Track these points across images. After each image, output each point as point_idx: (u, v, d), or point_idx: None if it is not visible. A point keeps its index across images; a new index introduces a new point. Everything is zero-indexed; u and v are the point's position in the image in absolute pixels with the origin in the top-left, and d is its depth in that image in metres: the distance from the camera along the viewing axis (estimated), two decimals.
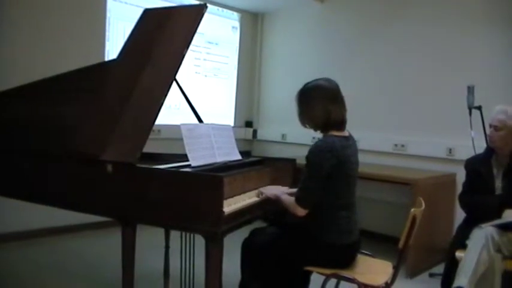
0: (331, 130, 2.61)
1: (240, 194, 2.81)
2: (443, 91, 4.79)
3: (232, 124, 6.51)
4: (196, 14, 2.81)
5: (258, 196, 2.82)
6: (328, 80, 2.69)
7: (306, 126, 2.72)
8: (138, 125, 2.58)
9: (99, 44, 5.12)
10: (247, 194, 2.85)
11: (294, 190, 2.93)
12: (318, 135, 2.66)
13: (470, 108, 4.04)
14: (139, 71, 2.76)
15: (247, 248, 2.79)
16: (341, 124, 2.64)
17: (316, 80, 2.70)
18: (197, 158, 2.75)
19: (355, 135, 2.75)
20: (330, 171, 2.49)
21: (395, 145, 5.17)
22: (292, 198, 2.62)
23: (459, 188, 3.66)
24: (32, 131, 2.94)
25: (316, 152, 2.51)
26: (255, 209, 2.71)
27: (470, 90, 4.05)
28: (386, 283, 2.56)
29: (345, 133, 2.66)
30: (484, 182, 3.32)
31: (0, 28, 4.30)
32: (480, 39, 4.56)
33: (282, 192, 2.82)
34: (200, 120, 3.36)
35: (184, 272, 3.14)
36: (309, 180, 2.53)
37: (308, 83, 2.71)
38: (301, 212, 2.56)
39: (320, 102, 2.60)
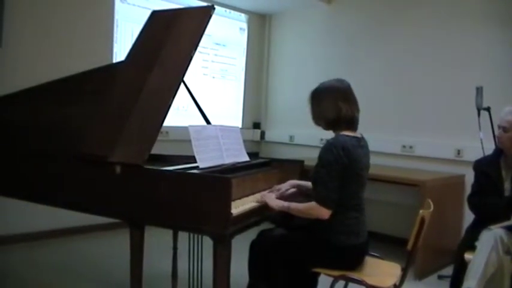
0: (343, 129, 2.62)
1: (248, 196, 2.81)
2: (451, 92, 4.78)
3: (240, 126, 6.53)
4: (203, 15, 2.82)
5: (258, 202, 2.74)
6: (340, 80, 2.72)
7: (318, 124, 2.74)
8: (146, 127, 2.58)
9: (107, 46, 5.14)
10: (255, 195, 2.85)
11: (299, 182, 2.98)
12: (327, 136, 2.66)
13: (478, 109, 4.03)
14: (147, 73, 2.77)
15: (255, 249, 2.79)
16: (352, 123, 2.64)
17: (329, 80, 2.73)
18: (205, 159, 2.75)
19: (364, 137, 2.74)
20: (343, 170, 2.48)
21: (404, 146, 5.16)
22: (307, 204, 2.57)
23: (468, 190, 3.65)
24: (40, 132, 2.95)
25: (329, 149, 2.50)
26: (262, 210, 2.70)
27: (479, 91, 4.04)
28: (394, 285, 2.54)
29: (357, 134, 2.66)
30: (493, 184, 3.30)
31: (7, 30, 4.32)
32: (489, 40, 4.54)
33: (289, 204, 2.69)
34: (208, 122, 3.36)
35: (192, 274, 3.14)
36: (328, 178, 2.48)
37: (321, 83, 2.74)
38: (326, 213, 2.49)
39: (331, 99, 2.62)
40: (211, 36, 6.16)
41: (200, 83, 5.99)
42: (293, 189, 3.02)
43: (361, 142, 2.64)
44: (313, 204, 2.52)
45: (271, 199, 2.76)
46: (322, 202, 2.49)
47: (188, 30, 2.85)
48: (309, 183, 2.88)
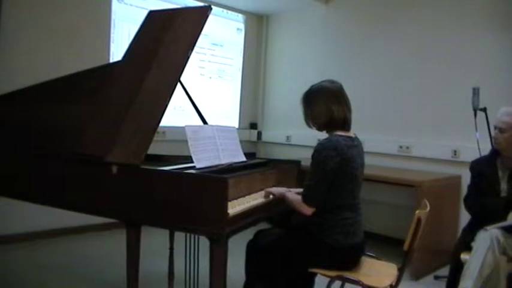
0: (336, 130, 2.63)
1: (244, 196, 2.81)
2: (448, 93, 4.78)
3: (236, 126, 6.51)
4: (201, 15, 2.82)
5: (266, 197, 2.82)
6: (331, 81, 2.74)
7: (310, 127, 2.75)
8: (143, 127, 2.58)
9: (104, 46, 5.14)
10: (252, 195, 2.85)
11: (300, 190, 2.97)
12: (323, 136, 2.67)
13: (475, 110, 4.04)
14: (144, 73, 2.76)
15: (251, 249, 2.79)
16: (344, 124, 2.66)
17: (321, 82, 2.75)
18: (202, 159, 2.75)
19: (360, 137, 2.75)
20: (335, 170, 2.49)
21: (400, 147, 5.16)
22: (298, 197, 2.62)
23: (464, 190, 3.65)
24: (37, 132, 2.95)
25: (321, 149, 2.53)
26: (259, 210, 2.70)
27: (475, 91, 4.05)
28: (391, 285, 2.55)
29: (350, 134, 2.67)
30: (489, 184, 3.30)
31: (4, 30, 4.32)
32: (485, 41, 4.55)
33: (287, 190, 2.83)
34: (205, 122, 3.36)
35: (189, 274, 3.14)
36: (315, 178, 2.53)
37: (313, 85, 2.74)
38: (307, 210, 2.56)
39: (323, 102, 2.65)
40: (208, 36, 6.16)
41: (197, 83, 5.99)
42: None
43: (354, 142, 2.65)
44: (299, 199, 2.60)
45: (273, 188, 2.89)
46: (305, 199, 2.57)
47: (185, 31, 2.85)
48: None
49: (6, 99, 3.20)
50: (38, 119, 2.99)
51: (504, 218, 3.07)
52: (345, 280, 2.60)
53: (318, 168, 2.52)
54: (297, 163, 3.43)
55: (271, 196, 2.83)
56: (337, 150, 2.49)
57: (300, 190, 2.97)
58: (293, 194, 2.74)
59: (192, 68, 5.91)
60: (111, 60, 5.02)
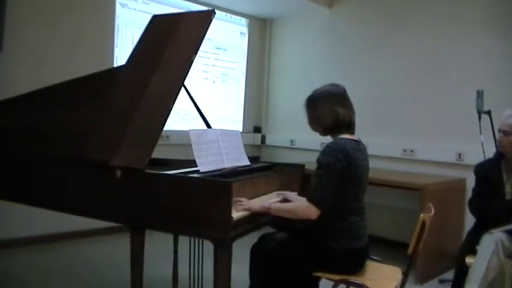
0: (341, 133, 2.63)
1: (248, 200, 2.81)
2: (452, 96, 4.77)
3: (240, 129, 6.55)
4: (204, 20, 2.82)
5: (237, 210, 2.53)
6: (335, 84, 2.74)
7: (315, 130, 2.75)
8: (146, 131, 2.58)
9: (108, 50, 5.15)
10: (256, 199, 2.85)
11: (293, 194, 2.99)
12: (327, 140, 2.66)
13: (479, 113, 4.02)
14: (148, 77, 2.77)
15: (256, 253, 2.78)
16: (349, 126, 2.65)
17: (324, 86, 2.75)
18: (206, 163, 2.75)
19: (364, 141, 2.74)
20: (342, 172, 2.48)
21: (405, 150, 5.15)
22: (295, 203, 2.59)
23: (469, 193, 3.64)
24: (42, 137, 2.95)
25: (328, 152, 2.50)
26: (263, 215, 2.70)
27: (480, 94, 4.04)
28: None
29: (355, 137, 2.67)
30: (494, 187, 3.29)
31: (7, 34, 4.32)
32: (490, 44, 4.54)
33: (270, 203, 2.68)
34: (208, 126, 3.37)
35: (193, 278, 3.14)
36: (324, 180, 2.48)
37: (316, 89, 2.75)
38: (315, 213, 2.47)
39: (327, 105, 2.63)
40: (211, 40, 6.18)
41: (201, 87, 6.01)
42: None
43: (359, 145, 2.65)
44: (303, 202, 2.52)
45: (252, 202, 2.70)
46: (315, 201, 2.47)
47: (189, 35, 2.85)
48: (296, 197, 2.95)
49: (10, 104, 3.21)
50: (42, 124, 3.00)
51: (509, 221, 3.07)
52: (349, 284, 2.59)
53: (326, 170, 2.49)
54: (301, 167, 3.42)
55: (241, 208, 2.61)
56: (343, 153, 2.48)
57: (293, 194, 2.98)
58: (286, 204, 2.67)
59: (196, 72, 5.92)
60: (115, 65, 5.03)
